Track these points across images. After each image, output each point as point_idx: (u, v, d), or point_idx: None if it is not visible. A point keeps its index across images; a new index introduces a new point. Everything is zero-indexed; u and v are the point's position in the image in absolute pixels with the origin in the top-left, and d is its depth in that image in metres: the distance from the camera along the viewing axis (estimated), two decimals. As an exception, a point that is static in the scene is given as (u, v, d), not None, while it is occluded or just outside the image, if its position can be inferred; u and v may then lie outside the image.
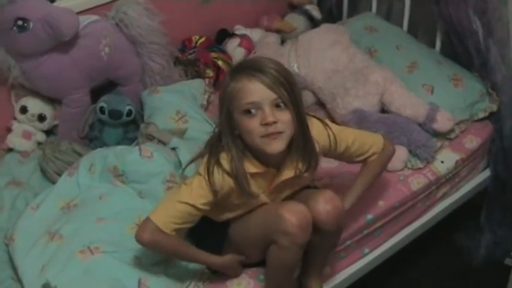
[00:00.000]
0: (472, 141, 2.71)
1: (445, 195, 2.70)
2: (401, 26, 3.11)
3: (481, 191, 2.91)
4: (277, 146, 1.83)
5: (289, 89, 1.82)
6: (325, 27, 3.02)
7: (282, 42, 3.23)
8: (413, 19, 3.10)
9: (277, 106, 1.81)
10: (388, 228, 2.49)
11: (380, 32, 3.06)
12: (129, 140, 2.71)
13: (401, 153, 2.51)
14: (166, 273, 2.14)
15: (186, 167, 2.14)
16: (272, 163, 1.95)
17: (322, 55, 2.81)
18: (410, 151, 2.55)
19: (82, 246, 2.08)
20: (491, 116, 2.79)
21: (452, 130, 2.65)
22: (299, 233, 1.86)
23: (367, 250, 2.46)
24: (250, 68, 1.84)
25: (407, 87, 2.67)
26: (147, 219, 1.92)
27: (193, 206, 1.89)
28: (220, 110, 1.90)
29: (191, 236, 2.13)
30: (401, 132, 2.54)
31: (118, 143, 2.66)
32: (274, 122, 1.80)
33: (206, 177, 1.88)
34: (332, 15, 3.46)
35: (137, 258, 2.10)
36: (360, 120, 2.55)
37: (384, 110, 2.68)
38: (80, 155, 2.56)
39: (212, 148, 1.93)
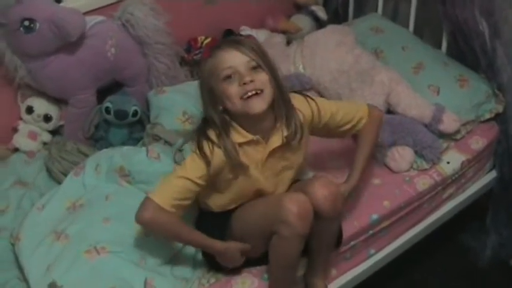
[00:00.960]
0: (478, 142, 2.70)
1: (450, 196, 2.70)
2: (407, 26, 3.11)
3: (487, 192, 2.90)
4: (258, 104, 1.93)
5: (262, 54, 1.96)
6: (331, 28, 3.02)
7: (288, 43, 3.23)
8: (419, 20, 3.10)
9: (253, 68, 1.93)
10: (393, 229, 2.48)
11: (386, 32, 3.05)
12: (134, 140, 2.72)
13: (407, 154, 2.52)
14: (172, 273, 2.15)
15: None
16: (259, 131, 2.01)
17: (327, 56, 2.81)
18: (416, 152, 2.54)
19: (88, 246, 2.09)
20: (497, 117, 2.79)
21: (458, 131, 2.64)
22: (299, 222, 1.89)
23: (372, 251, 2.45)
24: (223, 42, 2.02)
25: (413, 88, 2.67)
26: (146, 198, 1.99)
27: (188, 179, 1.96)
28: (202, 90, 2.01)
29: None
30: (407, 133, 2.53)
31: (123, 143, 2.66)
32: (251, 81, 1.91)
33: (197, 151, 1.97)
34: (338, 16, 3.47)
35: (143, 258, 2.12)
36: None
37: (389, 111, 2.68)
38: (86, 155, 2.57)
39: (200, 128, 2.03)
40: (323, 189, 1.97)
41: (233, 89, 1.91)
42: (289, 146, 2.06)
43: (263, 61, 1.95)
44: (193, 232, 2.06)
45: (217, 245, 2.05)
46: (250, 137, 2.00)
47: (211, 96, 1.98)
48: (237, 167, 2.01)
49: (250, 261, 2.16)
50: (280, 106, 2.01)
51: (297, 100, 2.09)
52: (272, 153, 2.04)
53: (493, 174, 2.87)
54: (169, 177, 2.01)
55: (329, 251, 2.20)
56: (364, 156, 2.24)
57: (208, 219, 2.15)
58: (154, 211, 1.95)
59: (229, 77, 1.92)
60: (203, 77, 2.00)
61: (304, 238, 1.95)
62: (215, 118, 1.98)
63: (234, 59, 1.92)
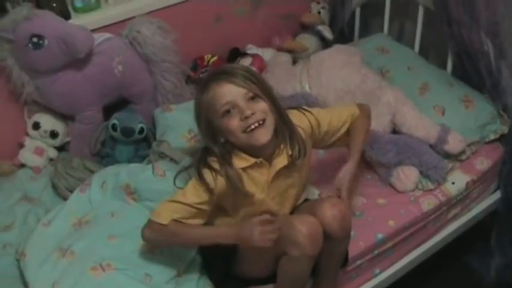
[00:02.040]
0: (482, 163, 2.71)
1: (455, 217, 2.70)
2: (412, 47, 3.13)
3: (492, 213, 2.89)
4: (263, 135, 1.92)
5: (258, 82, 1.93)
6: (337, 47, 3.03)
7: (294, 62, 3.24)
8: (424, 40, 3.11)
9: (252, 99, 1.91)
10: (399, 249, 2.48)
11: (391, 53, 3.07)
12: (140, 158, 2.72)
13: (412, 174, 2.52)
14: (177, 290, 2.14)
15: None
16: (262, 154, 2.00)
17: (333, 75, 2.82)
18: (421, 172, 2.55)
19: (94, 262, 2.09)
20: (502, 138, 2.79)
21: (463, 152, 2.65)
22: (309, 243, 1.88)
23: (377, 270, 2.45)
24: (215, 74, 1.95)
25: (418, 108, 2.68)
26: (148, 220, 2.00)
27: (186, 204, 1.95)
28: (199, 124, 2.00)
29: (201, 251, 2.19)
30: (413, 153, 2.54)
31: (129, 161, 2.67)
32: (253, 113, 1.88)
33: (198, 179, 1.96)
34: (344, 36, 3.48)
35: (148, 276, 2.11)
36: (371, 140, 2.55)
37: (395, 131, 2.69)
38: (92, 171, 2.57)
39: (201, 156, 2.01)
40: (332, 210, 1.97)
41: (235, 124, 1.90)
42: (294, 164, 2.05)
43: (260, 89, 1.93)
44: (198, 229, 2.02)
45: (230, 231, 1.99)
46: (253, 160, 1.99)
47: (210, 129, 1.97)
48: (241, 194, 2.00)
49: (257, 281, 2.15)
50: (283, 129, 2.02)
51: (294, 116, 2.09)
52: (278, 174, 2.04)
53: (498, 195, 2.87)
54: (169, 200, 2.00)
55: (336, 271, 2.19)
56: (360, 140, 2.24)
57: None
58: (152, 229, 1.99)
59: (228, 111, 1.90)
60: (200, 111, 1.98)
61: (313, 259, 1.95)
62: (215, 150, 1.97)
63: (231, 93, 1.89)
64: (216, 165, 1.96)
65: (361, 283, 2.41)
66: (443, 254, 2.73)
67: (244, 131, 1.90)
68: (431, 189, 2.56)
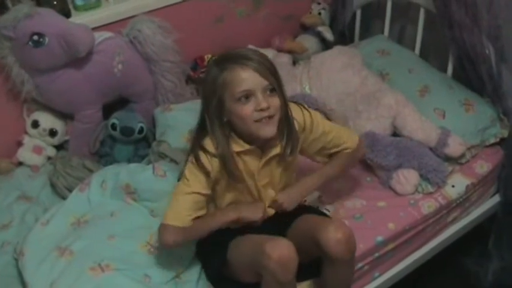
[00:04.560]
0: (482, 167, 2.70)
1: (455, 220, 2.69)
2: (413, 49, 3.12)
3: (490, 216, 2.89)
4: (270, 130, 1.94)
5: (276, 75, 1.94)
6: (337, 49, 3.02)
7: (294, 63, 3.24)
8: (425, 42, 3.11)
9: (269, 92, 1.92)
10: (398, 252, 2.48)
11: (392, 55, 3.07)
12: (139, 158, 2.72)
13: (412, 177, 2.52)
14: (177, 291, 2.14)
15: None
16: (257, 143, 2.02)
17: (334, 77, 2.81)
18: (421, 175, 2.54)
19: (93, 262, 2.08)
20: (502, 142, 2.79)
21: (463, 155, 2.65)
22: (279, 269, 1.84)
23: (377, 274, 2.45)
24: (238, 57, 1.93)
25: (419, 111, 2.67)
26: (163, 225, 2.00)
27: (195, 193, 1.98)
28: (209, 98, 1.96)
29: (198, 252, 2.20)
30: (413, 156, 2.54)
31: (128, 160, 2.67)
32: (268, 107, 1.90)
33: (194, 162, 1.98)
34: (344, 38, 3.47)
35: (147, 276, 2.11)
36: (371, 143, 2.55)
37: (395, 134, 2.68)
38: (91, 170, 2.57)
39: (194, 138, 2.05)
40: (336, 233, 1.93)
41: (248, 111, 1.90)
42: (284, 159, 2.08)
43: (278, 83, 1.93)
44: (207, 221, 2.05)
45: (231, 212, 2.06)
46: (247, 146, 2.00)
47: (219, 107, 1.95)
48: (233, 176, 2.01)
49: (249, 285, 2.11)
50: (284, 125, 2.02)
51: (293, 109, 2.08)
52: (268, 161, 2.06)
53: (497, 198, 2.87)
54: (176, 196, 2.01)
55: None
56: (333, 171, 2.24)
57: (209, 240, 2.11)
58: (176, 234, 1.98)
59: (245, 97, 1.89)
60: (216, 88, 1.93)
61: (286, 285, 1.90)
62: (215, 127, 1.97)
63: (253, 81, 1.88)
64: (210, 148, 1.98)
65: (360, 286, 2.40)
66: (441, 257, 2.72)
67: (255, 121, 1.91)
68: (431, 193, 2.55)
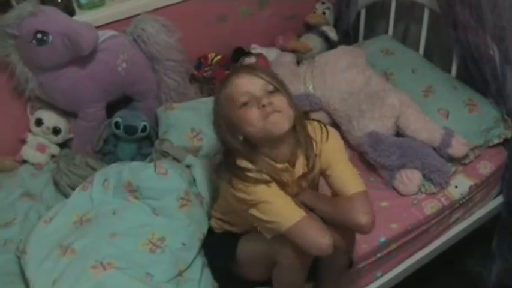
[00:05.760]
0: (486, 167, 2.70)
1: (457, 221, 2.69)
2: (417, 49, 3.12)
3: (493, 217, 2.89)
4: (280, 122, 1.86)
5: (275, 76, 1.92)
6: (341, 49, 3.02)
7: (298, 62, 3.23)
8: (429, 42, 3.11)
9: (270, 92, 1.87)
10: (401, 252, 2.48)
11: (396, 55, 3.06)
12: (142, 156, 2.72)
13: (415, 177, 2.52)
14: (179, 289, 2.14)
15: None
16: (283, 159, 1.95)
17: (338, 77, 2.81)
18: (424, 175, 2.54)
19: (94, 261, 2.08)
20: (506, 143, 2.78)
21: (466, 155, 2.64)
22: (297, 253, 1.86)
23: (379, 273, 2.45)
24: (235, 69, 1.97)
25: (422, 111, 2.67)
26: (294, 226, 1.83)
27: (276, 195, 1.88)
28: (220, 123, 1.95)
29: (205, 252, 2.21)
30: (416, 156, 2.53)
31: (132, 159, 2.67)
32: (270, 103, 1.84)
33: (250, 184, 1.86)
34: (348, 37, 3.47)
35: (149, 275, 2.10)
36: (374, 143, 2.55)
37: (398, 134, 2.68)
38: (94, 169, 2.57)
39: (229, 167, 1.93)
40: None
41: (252, 113, 1.85)
42: (306, 177, 2.02)
43: (279, 84, 1.90)
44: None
45: None
46: (278, 166, 1.94)
47: (229, 126, 1.91)
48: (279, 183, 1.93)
49: (258, 284, 2.14)
50: (300, 131, 1.96)
51: (312, 126, 2.03)
52: (297, 179, 2.00)
53: (500, 199, 2.86)
54: (269, 206, 1.87)
55: (340, 276, 2.18)
56: (333, 204, 2.00)
57: (216, 240, 2.12)
58: (305, 226, 1.84)
59: (246, 103, 1.86)
60: (220, 108, 1.94)
61: (306, 267, 1.93)
62: (239, 147, 1.92)
63: (250, 84, 1.88)
64: (248, 165, 1.89)
65: (363, 286, 2.40)
66: (444, 257, 2.72)
67: (262, 120, 1.85)
68: (434, 193, 2.55)
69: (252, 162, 1.91)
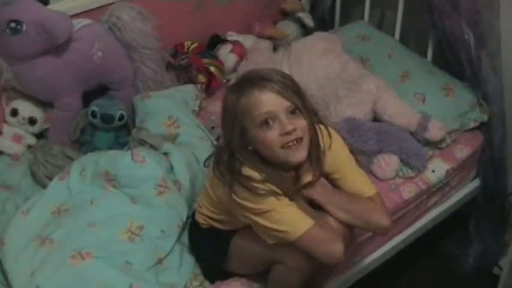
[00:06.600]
0: (462, 151, 2.72)
1: (435, 204, 2.71)
2: (393, 34, 3.13)
3: (470, 200, 2.91)
4: (300, 154, 1.79)
5: (300, 95, 1.80)
6: (317, 35, 3.02)
7: (274, 49, 3.23)
8: (405, 28, 3.11)
9: (292, 113, 1.77)
10: (379, 237, 2.49)
11: (372, 40, 3.07)
12: (120, 145, 2.70)
13: (393, 161, 2.53)
14: (157, 279, 2.14)
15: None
16: (288, 167, 1.89)
17: (314, 63, 2.81)
18: (401, 160, 2.55)
19: (73, 251, 2.07)
20: (482, 126, 2.81)
21: (443, 139, 2.66)
22: (306, 257, 1.86)
23: (357, 258, 2.46)
24: (256, 79, 1.79)
25: (399, 96, 2.68)
26: (299, 238, 1.80)
27: (288, 203, 1.83)
28: (231, 128, 1.82)
29: (194, 249, 2.21)
30: (393, 140, 2.55)
31: (109, 148, 2.65)
32: (294, 130, 1.76)
33: (258, 197, 1.80)
34: (324, 23, 3.47)
35: (128, 264, 2.10)
36: (352, 128, 2.55)
37: (376, 119, 2.69)
38: (71, 159, 2.55)
39: (235, 176, 1.83)
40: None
41: (273, 137, 1.76)
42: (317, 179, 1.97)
43: (302, 102, 1.79)
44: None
45: None
46: (286, 174, 1.89)
47: (243, 137, 1.81)
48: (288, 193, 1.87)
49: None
50: (313, 148, 1.87)
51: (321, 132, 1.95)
52: (302, 188, 1.95)
53: (477, 182, 2.89)
54: (278, 216, 1.81)
55: (329, 274, 2.21)
56: (348, 201, 1.97)
57: (205, 235, 2.11)
58: (316, 234, 1.81)
59: (266, 123, 1.76)
60: (236, 116, 1.80)
61: (309, 271, 1.93)
62: (246, 157, 1.82)
63: (274, 103, 1.75)
64: (256, 175, 1.81)
65: (340, 271, 2.40)
66: (421, 240, 2.74)
67: (282, 147, 1.77)
68: (411, 177, 2.57)
69: (257, 170, 1.82)
